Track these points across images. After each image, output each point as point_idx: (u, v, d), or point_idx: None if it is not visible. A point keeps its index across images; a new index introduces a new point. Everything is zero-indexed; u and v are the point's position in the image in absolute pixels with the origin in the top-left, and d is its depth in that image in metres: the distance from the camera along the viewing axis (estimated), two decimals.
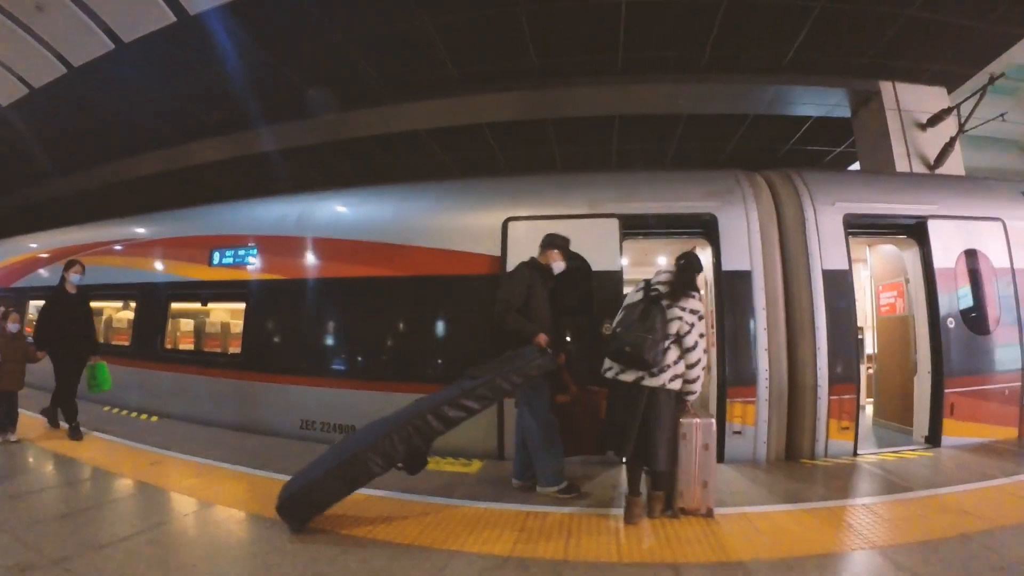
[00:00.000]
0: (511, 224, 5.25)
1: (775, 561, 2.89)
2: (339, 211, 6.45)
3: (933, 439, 5.34)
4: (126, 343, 7.81)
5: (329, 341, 6.02)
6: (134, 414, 6.75)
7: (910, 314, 5.98)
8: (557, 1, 7.19)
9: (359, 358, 5.87)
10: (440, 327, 5.54)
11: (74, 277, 5.62)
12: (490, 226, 5.32)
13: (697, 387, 3.65)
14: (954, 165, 8.42)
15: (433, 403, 3.46)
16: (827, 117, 9.95)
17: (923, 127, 8.63)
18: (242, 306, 6.61)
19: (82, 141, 11.70)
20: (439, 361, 5.47)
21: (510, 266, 5.10)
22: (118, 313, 9.35)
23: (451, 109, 10.07)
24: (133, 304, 7.95)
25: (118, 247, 7.88)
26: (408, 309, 5.54)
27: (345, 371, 5.82)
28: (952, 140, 8.23)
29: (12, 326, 5.43)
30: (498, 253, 5.24)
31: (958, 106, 8.20)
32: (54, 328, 5.45)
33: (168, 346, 7.45)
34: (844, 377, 5.09)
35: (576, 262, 5.04)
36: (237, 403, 6.17)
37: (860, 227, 5.60)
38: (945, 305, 5.39)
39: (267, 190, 7.76)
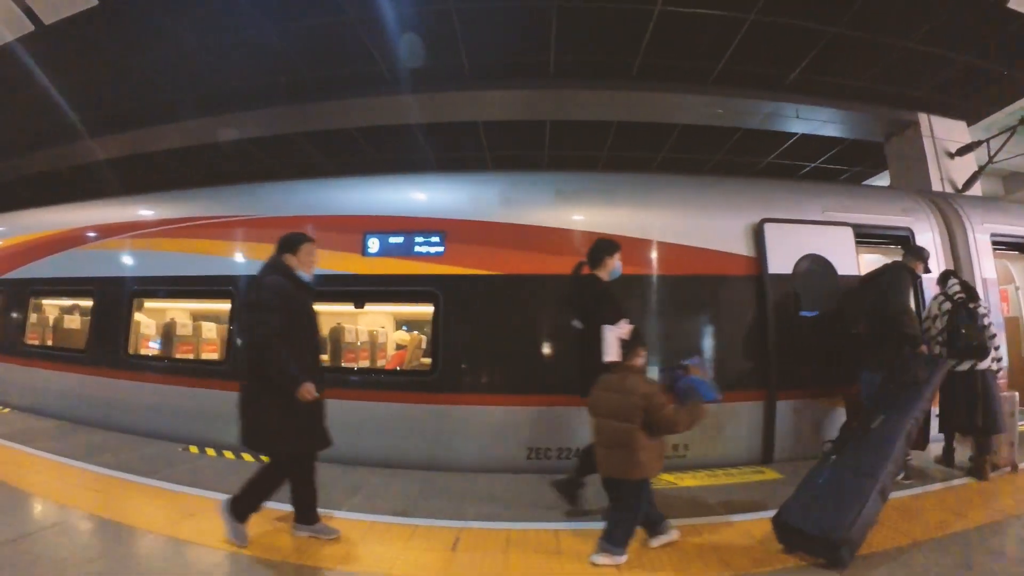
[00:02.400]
0: (767, 225, 5.12)
1: None
2: (565, 196, 5.49)
3: None
4: (216, 357, 6.45)
5: (559, 350, 4.89)
6: None
7: (1019, 315, 6.93)
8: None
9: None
10: (691, 327, 5.13)
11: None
12: (745, 226, 5.14)
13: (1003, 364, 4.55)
14: (975, 190, 9.83)
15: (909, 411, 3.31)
16: (813, 135, 10.98)
17: (951, 156, 9.95)
18: (400, 309, 5.57)
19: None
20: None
21: (770, 268, 5.01)
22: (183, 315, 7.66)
23: (453, 103, 9.63)
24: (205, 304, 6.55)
25: (201, 227, 6.11)
26: (653, 307, 5.04)
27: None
28: (981, 169, 9.59)
29: None
30: (752, 254, 5.09)
31: (988, 140, 9.57)
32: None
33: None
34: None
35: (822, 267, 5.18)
36: (430, 433, 4.93)
37: (1001, 244, 6.38)
38: None
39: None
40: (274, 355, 2.92)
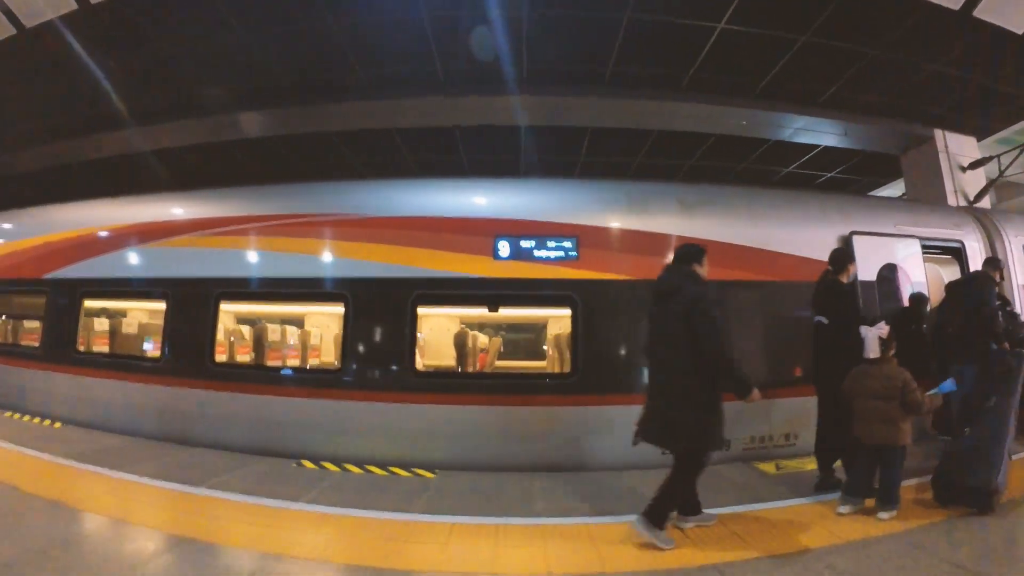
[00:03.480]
0: (855, 237, 5.57)
1: None
2: (686, 206, 5.70)
3: None
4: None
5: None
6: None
7: None
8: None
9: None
10: (800, 328, 5.46)
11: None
12: (837, 237, 5.60)
13: None
14: (985, 202, 10.61)
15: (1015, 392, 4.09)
16: (835, 147, 11.66)
17: (963, 169, 10.70)
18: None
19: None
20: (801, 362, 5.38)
21: (860, 275, 5.47)
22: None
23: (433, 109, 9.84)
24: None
25: (307, 225, 5.85)
26: (769, 310, 5.41)
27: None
28: (992, 182, 10.36)
29: None
30: None
31: (999, 156, 10.34)
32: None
33: (424, 367, 6.14)
34: None
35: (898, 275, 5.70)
36: (572, 434, 5.06)
37: None
38: None
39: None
40: (727, 361, 3.26)
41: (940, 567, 2.92)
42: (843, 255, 4.54)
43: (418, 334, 5.79)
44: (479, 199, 5.95)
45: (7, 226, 7.80)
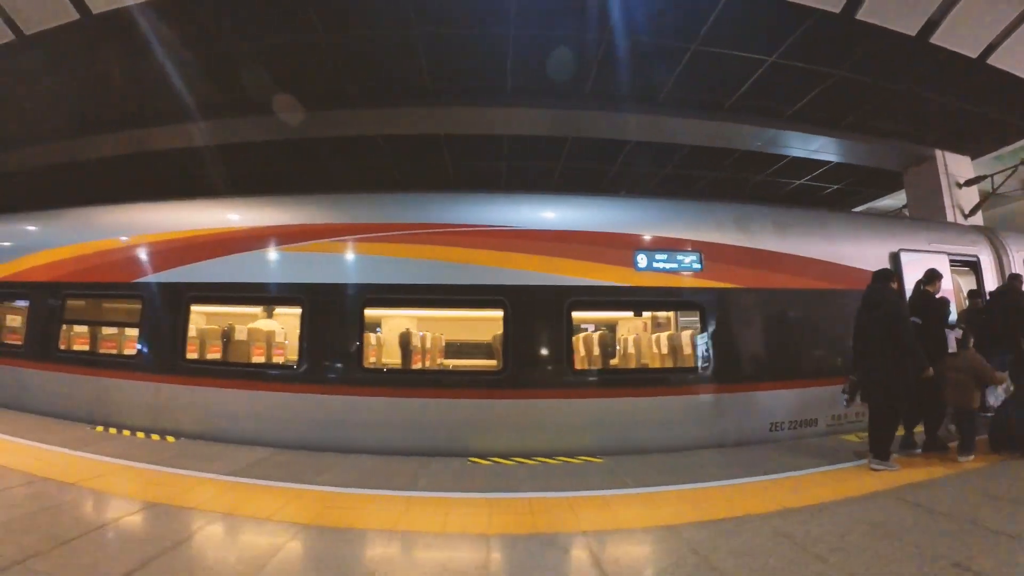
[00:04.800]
0: (902, 253, 6.62)
1: None
2: (780, 226, 6.70)
3: None
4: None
5: (789, 346, 6.30)
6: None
7: None
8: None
9: (811, 358, 6.40)
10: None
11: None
12: (887, 254, 6.64)
13: None
14: (977, 217, 11.92)
15: None
16: (844, 163, 12.89)
17: (960, 186, 11.98)
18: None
19: None
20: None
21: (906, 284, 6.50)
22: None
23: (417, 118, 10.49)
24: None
25: (465, 235, 6.11)
26: (842, 312, 6.20)
27: (808, 371, 6.29)
28: (985, 198, 11.66)
29: None
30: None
31: (992, 175, 11.64)
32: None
33: (581, 366, 6.72)
34: None
35: None
36: (705, 418, 5.90)
37: None
38: None
39: None
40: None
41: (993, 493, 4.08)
42: (934, 274, 5.63)
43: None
44: (621, 215, 6.52)
45: (84, 224, 7.24)
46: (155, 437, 5.88)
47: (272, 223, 6.44)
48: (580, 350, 7.37)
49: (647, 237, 6.26)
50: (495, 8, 7.52)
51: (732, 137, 11.46)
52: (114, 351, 7.31)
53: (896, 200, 14.55)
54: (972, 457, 4.93)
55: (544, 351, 5.92)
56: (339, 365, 5.98)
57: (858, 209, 15.83)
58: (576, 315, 6.30)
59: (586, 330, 8.35)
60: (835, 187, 14.46)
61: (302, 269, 6.16)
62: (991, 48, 8.44)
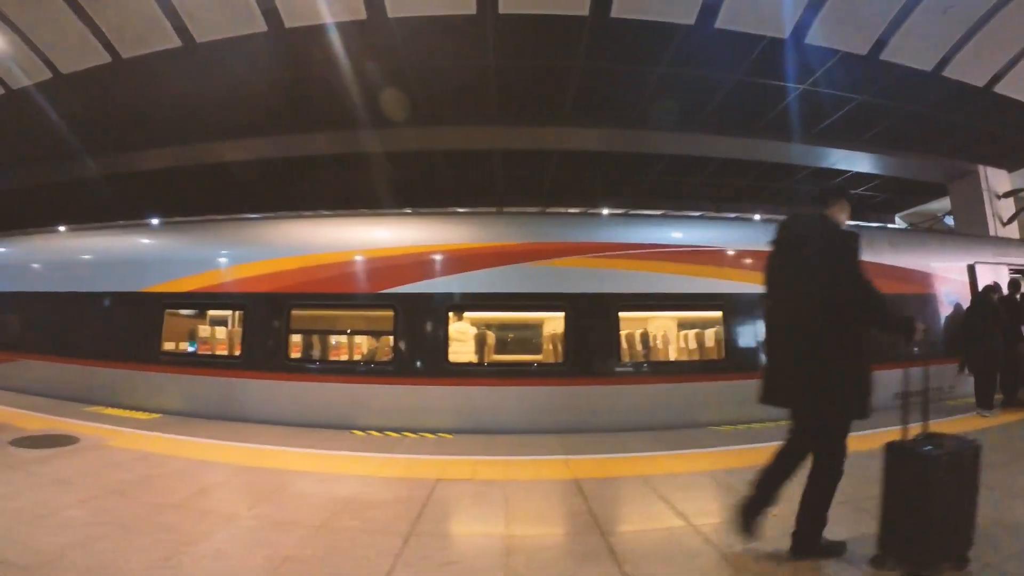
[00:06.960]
0: (977, 265, 8.50)
1: None
2: (895, 246, 8.11)
3: None
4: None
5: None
6: None
7: None
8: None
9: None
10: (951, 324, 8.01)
11: None
12: (965, 266, 8.51)
13: None
14: (1013, 227, 13.77)
15: None
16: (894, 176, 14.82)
17: (999, 197, 13.81)
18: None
19: None
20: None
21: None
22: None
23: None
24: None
25: (695, 253, 7.29)
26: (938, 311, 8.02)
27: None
28: (1021, 209, 13.52)
29: None
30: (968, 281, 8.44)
31: None
32: None
33: None
34: None
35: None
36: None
37: None
38: None
39: None
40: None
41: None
42: (1017, 282, 7.26)
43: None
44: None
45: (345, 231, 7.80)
46: (429, 436, 6.22)
47: (536, 240, 7.31)
48: None
49: None
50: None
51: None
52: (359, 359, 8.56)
53: (942, 204, 16.25)
54: (994, 413, 6.53)
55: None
56: (603, 361, 7.03)
57: (905, 212, 17.78)
58: None
59: None
60: (883, 196, 16.33)
61: (567, 280, 7.06)
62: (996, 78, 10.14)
